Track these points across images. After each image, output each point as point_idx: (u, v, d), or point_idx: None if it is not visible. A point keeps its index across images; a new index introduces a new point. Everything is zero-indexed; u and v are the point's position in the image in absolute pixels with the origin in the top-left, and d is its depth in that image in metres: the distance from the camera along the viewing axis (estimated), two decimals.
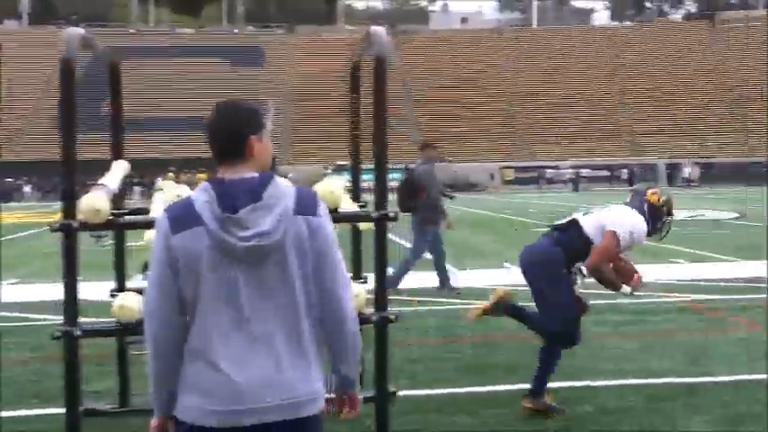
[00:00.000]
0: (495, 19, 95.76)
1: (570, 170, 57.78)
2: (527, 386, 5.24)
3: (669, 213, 5.26)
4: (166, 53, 69.92)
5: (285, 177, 5.87)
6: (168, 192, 4.57)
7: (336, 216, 4.26)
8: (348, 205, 4.42)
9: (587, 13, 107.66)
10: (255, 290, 2.27)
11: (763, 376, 5.63)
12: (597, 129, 67.47)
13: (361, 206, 5.05)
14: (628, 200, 5.29)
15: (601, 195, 45.89)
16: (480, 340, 7.29)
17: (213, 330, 2.27)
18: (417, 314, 8.57)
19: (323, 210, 2.40)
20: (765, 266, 11.91)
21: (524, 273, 5.18)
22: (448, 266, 10.62)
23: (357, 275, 5.01)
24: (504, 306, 5.21)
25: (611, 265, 5.03)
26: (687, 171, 56.26)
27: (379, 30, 4.53)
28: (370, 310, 4.23)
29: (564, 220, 5.22)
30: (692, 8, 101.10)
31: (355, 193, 5.18)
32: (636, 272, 5.16)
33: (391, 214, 4.23)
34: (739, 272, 11.61)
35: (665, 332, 7.53)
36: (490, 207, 33.89)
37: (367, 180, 4.79)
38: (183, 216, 2.31)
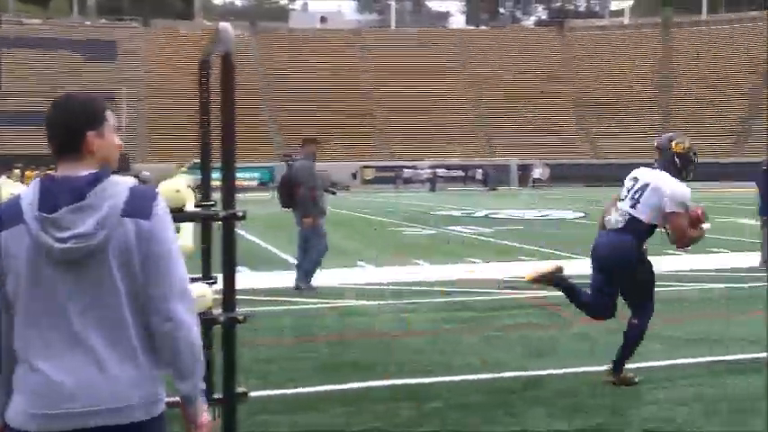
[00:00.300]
0: (354, 19, 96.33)
1: (428, 170, 58.78)
2: (380, 383, 5.34)
3: (695, 154, 5.80)
4: (12, 44, 66.59)
5: (137, 176, 5.71)
6: (5, 189, 4.38)
7: (182, 215, 4.18)
8: (192, 204, 4.34)
9: (444, 16, 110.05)
10: (75, 292, 2.17)
11: (604, 367, 5.88)
12: (453, 130, 69.09)
13: (210, 205, 4.99)
14: (657, 158, 5.75)
15: (456, 195, 47.04)
16: (335, 339, 7.32)
17: (33, 331, 2.19)
18: (272, 314, 8.52)
19: (159, 211, 2.31)
20: None
21: (601, 268, 5.69)
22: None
23: (206, 276, 4.93)
24: (560, 278, 5.88)
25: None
26: (538, 172, 58.29)
27: (227, 26, 4.46)
28: (218, 311, 4.17)
29: (619, 219, 5.62)
30: (544, 15, 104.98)
31: (205, 191, 5.10)
32: (697, 211, 5.66)
33: (239, 213, 4.18)
34: (581, 268, 12.11)
35: (509, 327, 7.77)
36: (350, 206, 34.08)
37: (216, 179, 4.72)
38: (8, 214, 2.21)
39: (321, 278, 11.23)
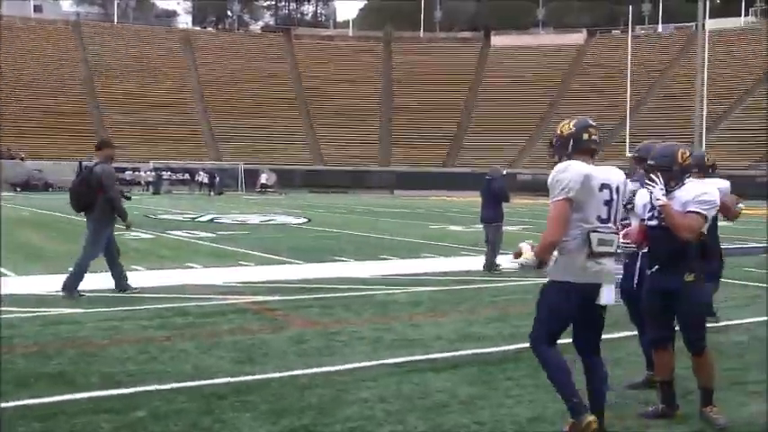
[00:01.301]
0: (73, 11, 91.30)
1: (151, 172, 57.02)
2: (81, 395, 5.07)
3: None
4: None
5: None
6: None
7: None
8: None
9: (170, 15, 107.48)
10: None
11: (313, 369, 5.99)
12: (178, 131, 67.62)
13: None
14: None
15: (181, 199, 46.06)
16: (35, 350, 6.86)
17: None
18: None
19: None
20: (318, 268, 12.94)
21: None
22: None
23: None
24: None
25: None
26: (264, 177, 58.59)
27: None
28: None
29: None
30: (271, 21, 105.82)
31: None
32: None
33: None
34: (297, 273, 12.36)
35: (224, 332, 7.72)
36: (56, 208, 32.18)
37: None
38: None
39: (22, 285, 10.55)
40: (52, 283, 10.61)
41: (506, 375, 6.24)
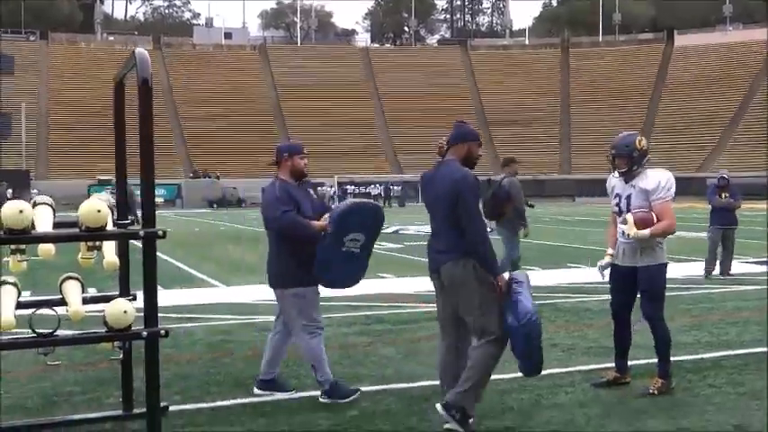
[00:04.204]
0: (259, 36, 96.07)
1: (335, 187, 59.04)
2: (299, 395, 5.49)
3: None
4: None
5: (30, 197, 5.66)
6: None
7: (104, 234, 4.29)
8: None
9: (350, 33, 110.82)
10: None
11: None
12: (359, 145, 69.51)
13: (128, 224, 5.09)
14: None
15: None
16: (251, 354, 7.43)
17: None
18: (186, 330, 8.58)
19: None
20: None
21: None
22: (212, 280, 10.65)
23: (125, 292, 5.02)
24: None
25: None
26: (397, 189, 58.72)
27: (144, 52, 4.59)
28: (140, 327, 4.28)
29: None
30: (447, 34, 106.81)
31: (121, 210, 5.18)
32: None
33: (160, 232, 4.30)
34: None
35: (422, 339, 8.03)
36: (262, 223, 33.98)
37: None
38: None
39: (232, 295, 11.33)
40: (257, 293, 11.35)
41: (707, 383, 6.17)
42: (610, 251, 6.17)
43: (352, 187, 61.23)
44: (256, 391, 6.03)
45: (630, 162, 5.90)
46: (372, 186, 60.42)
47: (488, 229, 5.63)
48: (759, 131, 66.42)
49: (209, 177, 60.57)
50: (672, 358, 6.94)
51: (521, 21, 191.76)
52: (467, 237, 4.96)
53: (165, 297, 10.38)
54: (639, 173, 5.94)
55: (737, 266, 13.62)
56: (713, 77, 74.13)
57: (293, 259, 5.72)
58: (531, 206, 12.37)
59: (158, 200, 51.30)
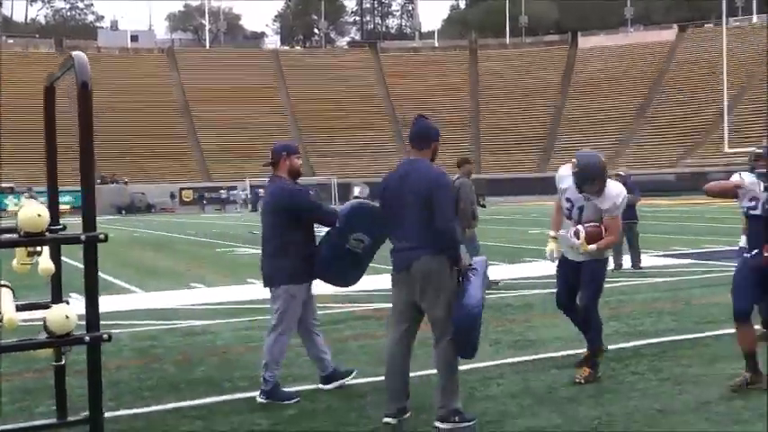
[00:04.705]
0: (167, 38, 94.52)
1: (247, 191, 58.58)
2: (233, 397, 5.49)
3: None
4: None
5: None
6: None
7: (45, 239, 4.23)
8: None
9: (259, 36, 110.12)
10: None
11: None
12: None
13: (60, 228, 5.01)
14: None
15: None
16: (181, 358, 7.38)
17: None
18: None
19: None
20: None
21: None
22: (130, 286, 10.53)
23: (57, 298, 4.94)
24: None
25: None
26: (357, 190, 59.06)
27: (82, 55, 4.54)
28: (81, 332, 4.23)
29: None
30: (357, 36, 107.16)
31: (53, 215, 5.09)
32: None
33: (101, 236, 4.26)
34: None
35: (350, 338, 8.13)
36: (172, 228, 33.51)
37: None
38: None
39: (152, 300, 11.20)
40: (179, 298, 11.27)
41: (629, 370, 6.44)
42: (552, 233, 6.47)
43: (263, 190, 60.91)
44: (325, 387, 6.12)
45: (602, 183, 6.07)
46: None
47: None
48: (661, 130, 68.88)
49: (117, 183, 59.33)
50: None
51: (429, 23, 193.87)
52: (445, 232, 4.99)
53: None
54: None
55: (646, 260, 14.16)
56: (616, 77, 76.50)
57: (288, 258, 5.84)
58: (483, 206, 12.61)
59: (65, 207, 50.16)
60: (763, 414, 5.15)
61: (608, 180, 6.14)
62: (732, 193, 5.79)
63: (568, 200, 6.25)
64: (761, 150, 5.91)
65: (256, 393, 5.88)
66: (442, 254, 5.03)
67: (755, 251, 5.71)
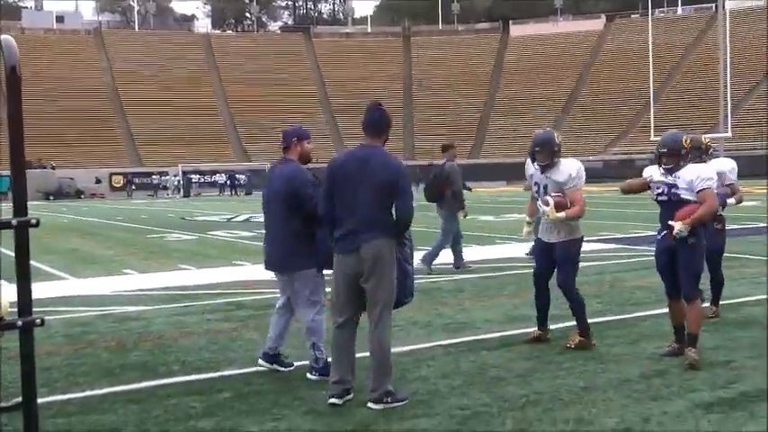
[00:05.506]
0: (95, 20, 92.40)
1: (179, 176, 57.85)
2: (168, 381, 5.51)
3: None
4: None
5: None
6: None
7: None
8: None
9: (189, 19, 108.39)
10: None
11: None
12: (203, 134, 68.32)
13: None
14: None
15: (211, 200, 46.76)
16: (114, 344, 7.36)
17: None
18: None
19: None
20: None
21: None
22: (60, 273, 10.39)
23: None
24: None
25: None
26: (243, 178, 58.45)
27: (10, 39, 4.50)
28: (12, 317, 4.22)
29: None
30: (289, 21, 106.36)
31: None
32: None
33: (33, 221, 4.26)
34: None
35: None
36: (102, 214, 32.96)
37: None
38: None
39: (83, 287, 11.08)
40: (111, 285, 11.16)
41: (557, 351, 6.66)
42: (528, 219, 7.39)
43: (198, 176, 60.23)
44: (260, 362, 6.20)
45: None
46: (218, 175, 59.79)
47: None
48: (589, 118, 70.20)
49: (44, 168, 57.98)
50: (520, 330, 7.46)
51: (362, 9, 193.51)
52: (406, 219, 5.25)
53: (15, 291, 10.04)
54: (555, 164, 6.77)
55: None
56: (547, 65, 77.62)
57: (303, 242, 5.86)
58: (469, 189, 13.12)
59: None
60: (680, 391, 5.41)
61: (561, 158, 6.84)
62: (645, 187, 6.56)
63: (536, 183, 6.92)
64: (664, 149, 6.35)
65: (191, 378, 5.93)
66: (392, 238, 5.24)
67: (664, 232, 6.34)
